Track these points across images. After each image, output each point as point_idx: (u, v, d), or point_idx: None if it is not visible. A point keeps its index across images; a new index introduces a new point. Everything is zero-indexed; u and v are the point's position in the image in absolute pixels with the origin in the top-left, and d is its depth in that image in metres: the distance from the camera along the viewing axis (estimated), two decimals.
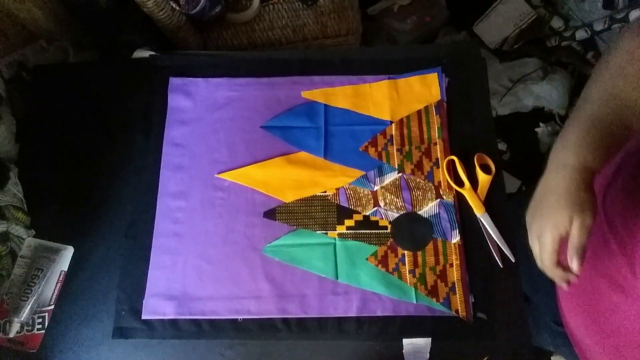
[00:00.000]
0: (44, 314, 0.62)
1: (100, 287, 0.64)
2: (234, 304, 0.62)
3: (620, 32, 0.45)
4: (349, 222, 0.66)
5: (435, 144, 0.69)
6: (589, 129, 0.44)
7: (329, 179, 0.67)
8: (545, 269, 0.46)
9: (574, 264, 0.42)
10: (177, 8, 0.85)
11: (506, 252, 0.62)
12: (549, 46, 1.41)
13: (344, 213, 0.66)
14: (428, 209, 0.65)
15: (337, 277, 0.63)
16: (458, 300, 0.61)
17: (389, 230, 0.65)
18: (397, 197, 0.66)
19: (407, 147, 0.69)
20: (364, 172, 0.68)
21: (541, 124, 1.36)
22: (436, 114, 0.70)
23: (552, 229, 0.43)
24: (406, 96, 0.71)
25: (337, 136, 0.70)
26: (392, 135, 0.69)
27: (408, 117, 0.70)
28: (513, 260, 0.62)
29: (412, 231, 0.65)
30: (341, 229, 0.65)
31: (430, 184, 0.67)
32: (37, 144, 0.72)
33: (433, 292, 0.62)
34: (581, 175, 0.43)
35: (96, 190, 0.68)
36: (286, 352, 0.61)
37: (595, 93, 0.45)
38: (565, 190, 0.43)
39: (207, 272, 0.64)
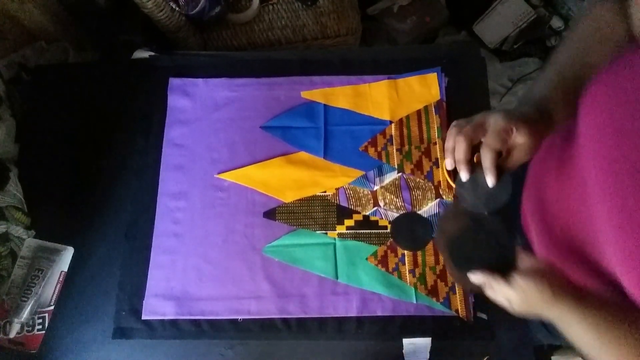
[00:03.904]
0: (44, 314, 0.62)
1: (100, 287, 0.64)
2: (234, 304, 0.62)
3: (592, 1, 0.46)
4: (348, 222, 0.66)
5: (435, 143, 0.69)
6: (554, 88, 0.45)
7: (329, 179, 0.67)
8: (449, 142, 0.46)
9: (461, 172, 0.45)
10: (177, 9, 0.85)
11: None
12: (549, 46, 1.41)
13: (343, 213, 0.66)
14: (428, 208, 0.65)
15: (337, 277, 0.63)
16: (458, 300, 0.61)
17: (388, 230, 0.65)
18: (397, 197, 0.66)
19: (406, 147, 0.69)
20: (364, 172, 0.68)
21: None
22: (436, 114, 0.70)
23: (479, 129, 0.44)
24: (406, 96, 0.71)
25: (337, 136, 0.70)
26: (391, 135, 0.69)
27: (408, 117, 0.70)
28: None
29: (412, 231, 0.65)
30: (341, 229, 0.65)
31: (430, 184, 0.67)
32: (37, 144, 0.72)
33: (433, 291, 0.62)
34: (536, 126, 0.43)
35: (96, 190, 0.68)
36: (286, 352, 0.61)
37: (561, 57, 0.47)
38: (520, 113, 0.43)
39: (207, 272, 0.64)
